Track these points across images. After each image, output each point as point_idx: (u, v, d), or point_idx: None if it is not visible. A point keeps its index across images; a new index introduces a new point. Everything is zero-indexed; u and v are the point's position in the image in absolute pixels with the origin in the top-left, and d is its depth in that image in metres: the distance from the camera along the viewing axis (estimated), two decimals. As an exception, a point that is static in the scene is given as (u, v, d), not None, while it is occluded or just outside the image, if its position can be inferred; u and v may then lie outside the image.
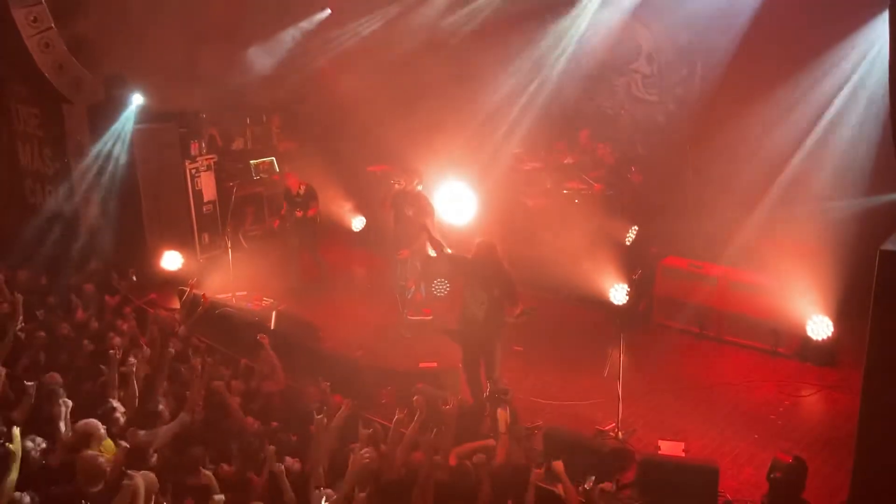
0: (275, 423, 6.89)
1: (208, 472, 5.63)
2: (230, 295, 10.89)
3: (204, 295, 9.72)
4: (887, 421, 5.64)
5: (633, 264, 9.97)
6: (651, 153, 12.60)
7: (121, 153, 11.82)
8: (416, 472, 5.82)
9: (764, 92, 10.45)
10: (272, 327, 9.91)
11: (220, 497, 5.31)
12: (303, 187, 11.40)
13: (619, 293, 8.97)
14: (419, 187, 10.39)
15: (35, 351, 7.91)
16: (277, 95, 13.73)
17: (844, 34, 9.87)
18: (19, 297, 8.40)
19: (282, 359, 8.26)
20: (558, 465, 5.84)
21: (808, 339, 9.07)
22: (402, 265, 10.37)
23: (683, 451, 7.46)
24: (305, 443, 6.53)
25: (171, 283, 11.34)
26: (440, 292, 10.70)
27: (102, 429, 6.00)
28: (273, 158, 13.98)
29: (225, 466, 6.13)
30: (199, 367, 7.58)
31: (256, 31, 13.63)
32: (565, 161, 12.60)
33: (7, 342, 7.87)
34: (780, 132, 10.42)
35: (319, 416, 6.35)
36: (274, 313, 10.32)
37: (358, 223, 13.12)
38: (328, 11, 14.22)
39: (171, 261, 11.70)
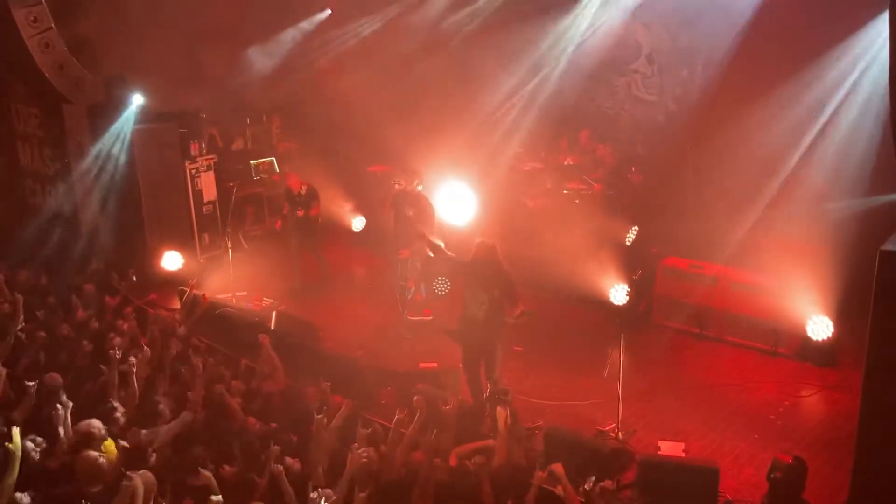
0: (273, 424, 6.89)
1: (208, 473, 5.62)
2: (230, 295, 10.89)
3: (203, 295, 9.72)
4: (887, 421, 5.65)
5: (634, 264, 9.99)
6: (651, 153, 12.60)
7: (121, 153, 11.81)
8: (417, 473, 5.82)
9: (764, 92, 10.44)
10: (272, 327, 9.91)
11: (218, 498, 5.31)
12: (304, 187, 11.39)
13: (619, 293, 8.98)
14: (419, 188, 10.39)
15: (35, 351, 7.91)
16: (277, 96, 13.72)
17: (844, 34, 9.86)
18: (20, 298, 8.40)
19: (282, 359, 8.26)
20: (557, 467, 5.85)
21: (808, 340, 9.07)
22: (403, 265, 10.37)
23: (683, 451, 7.46)
24: (305, 443, 6.53)
25: (172, 283, 11.34)
26: (442, 291, 10.70)
27: (104, 429, 6.00)
28: (273, 159, 13.99)
29: (227, 467, 6.13)
30: (201, 366, 7.58)
31: (257, 32, 13.63)
32: (565, 162, 12.59)
33: (8, 342, 7.88)
34: (780, 132, 10.42)
35: (319, 416, 6.36)
36: (274, 313, 10.33)
37: (358, 223, 13.11)
38: (328, 12, 14.22)
39: (172, 261, 11.70)
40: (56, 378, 6.93)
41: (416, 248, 10.09)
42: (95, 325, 8.92)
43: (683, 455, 7.39)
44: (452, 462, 6.50)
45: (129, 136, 11.78)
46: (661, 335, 9.84)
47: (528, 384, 8.76)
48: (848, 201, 9.43)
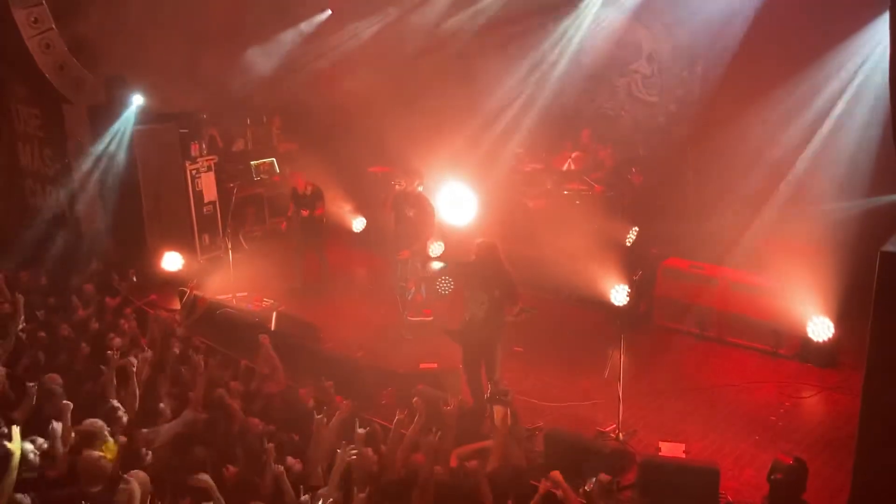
0: (272, 426, 6.88)
1: (206, 477, 5.59)
2: (230, 296, 10.89)
3: (201, 297, 9.72)
4: (888, 422, 5.64)
5: (634, 265, 9.98)
6: (652, 154, 12.60)
7: (121, 154, 11.81)
8: (417, 473, 5.81)
9: (764, 92, 10.45)
10: (272, 328, 9.91)
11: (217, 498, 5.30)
12: (309, 187, 11.39)
13: (619, 294, 8.95)
14: (420, 188, 10.38)
15: (35, 351, 7.91)
16: (278, 96, 13.73)
17: (845, 35, 9.87)
18: (20, 298, 8.40)
19: (282, 360, 8.26)
20: (556, 475, 5.84)
21: (808, 341, 9.06)
22: (403, 266, 10.36)
23: (684, 452, 7.46)
24: (306, 443, 6.52)
25: (172, 283, 11.33)
26: (445, 291, 10.67)
27: (106, 429, 5.99)
28: (273, 159, 14.00)
29: (230, 468, 6.12)
30: (202, 364, 7.57)
31: (257, 32, 13.64)
32: (565, 167, 12.58)
33: (8, 342, 7.87)
34: (781, 132, 10.44)
35: (319, 416, 6.35)
36: (274, 314, 10.32)
37: (359, 224, 13.11)
38: (329, 12, 14.23)
39: (172, 261, 11.69)
40: (56, 379, 6.93)
41: (416, 248, 10.11)
42: (96, 325, 8.92)
43: (684, 456, 7.39)
44: (453, 463, 6.50)
45: (129, 137, 11.77)
46: (661, 336, 9.85)
47: (529, 385, 8.75)
48: (849, 202, 9.42)
